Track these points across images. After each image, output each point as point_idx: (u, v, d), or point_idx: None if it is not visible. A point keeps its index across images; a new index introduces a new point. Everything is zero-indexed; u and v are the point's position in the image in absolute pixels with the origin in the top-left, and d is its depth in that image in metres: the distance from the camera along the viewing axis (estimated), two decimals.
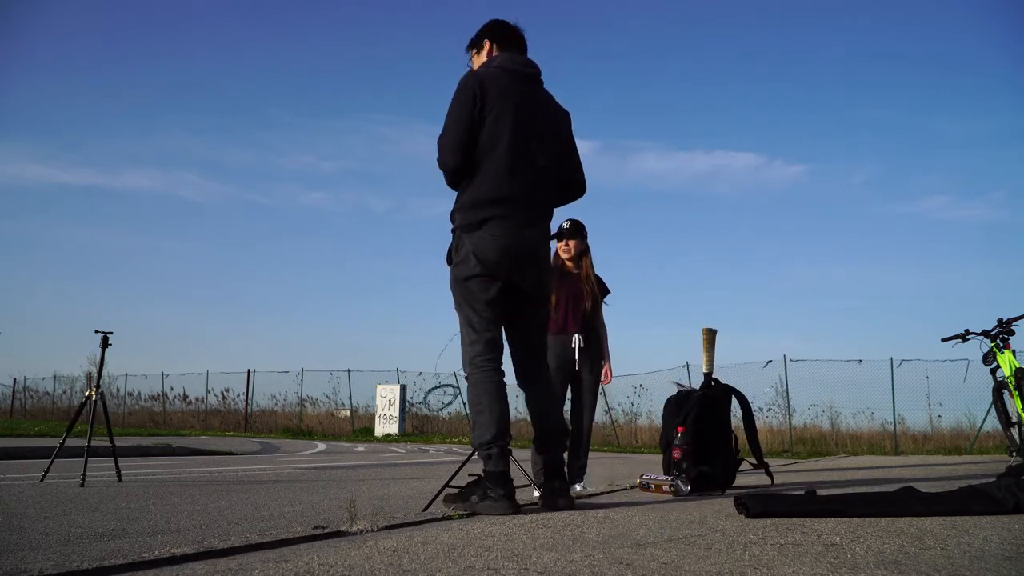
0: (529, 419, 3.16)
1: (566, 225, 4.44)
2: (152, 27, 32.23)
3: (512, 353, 3.04)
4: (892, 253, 29.03)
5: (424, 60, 32.14)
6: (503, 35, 3.10)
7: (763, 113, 30.88)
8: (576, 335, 4.36)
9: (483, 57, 3.13)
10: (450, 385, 3.87)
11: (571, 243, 4.42)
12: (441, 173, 2.97)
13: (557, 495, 2.91)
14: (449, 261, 2.97)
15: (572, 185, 3.16)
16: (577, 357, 4.35)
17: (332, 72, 33.06)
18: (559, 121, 3.08)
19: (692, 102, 31.48)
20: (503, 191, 2.83)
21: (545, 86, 3.14)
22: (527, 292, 2.92)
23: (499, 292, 2.87)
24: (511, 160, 2.84)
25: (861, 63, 29.02)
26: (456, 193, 2.99)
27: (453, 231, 2.96)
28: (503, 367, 2.92)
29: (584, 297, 4.39)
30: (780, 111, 30.22)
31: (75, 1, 29.84)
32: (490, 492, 2.74)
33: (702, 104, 31.32)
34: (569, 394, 4.53)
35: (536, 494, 4.18)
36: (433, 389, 3.89)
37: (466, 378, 2.95)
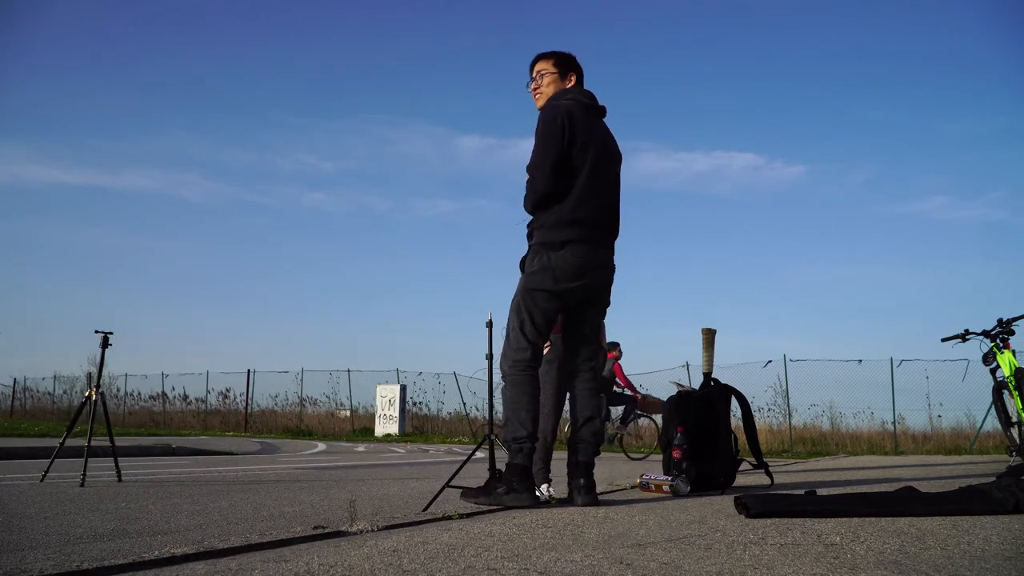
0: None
1: None
2: (152, 27, 32.24)
3: (566, 352, 3.34)
4: (892, 253, 29.04)
5: (424, 60, 32.17)
6: (582, 75, 3.39)
7: (763, 113, 30.90)
8: None
9: (557, 84, 3.33)
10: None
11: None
12: (531, 197, 3.18)
13: (582, 492, 3.09)
14: (522, 268, 3.20)
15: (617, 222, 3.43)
16: None
17: (332, 72, 33.06)
18: (619, 159, 3.37)
19: (692, 102, 31.50)
20: (584, 215, 3.08)
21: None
22: (589, 299, 3.20)
23: (558, 310, 3.15)
24: (592, 187, 3.11)
25: (861, 63, 29.03)
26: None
27: (532, 246, 3.18)
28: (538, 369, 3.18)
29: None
30: (780, 111, 30.23)
31: (75, 1, 29.85)
32: (515, 485, 2.97)
33: (702, 104, 31.33)
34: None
35: (538, 494, 4.19)
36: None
37: (504, 376, 3.16)
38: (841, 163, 30.08)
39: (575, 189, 3.09)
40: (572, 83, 3.36)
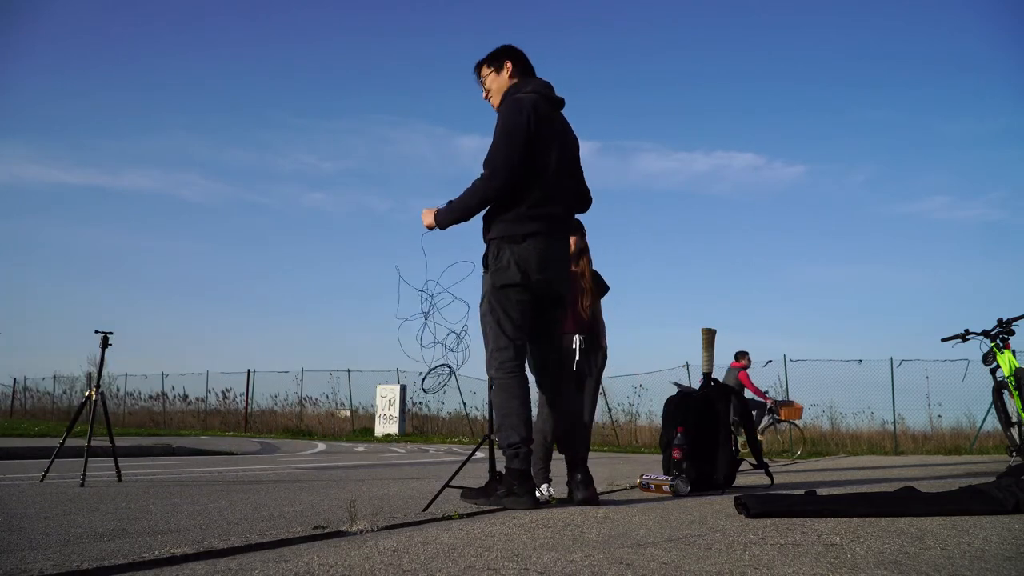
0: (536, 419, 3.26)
1: None
2: (152, 27, 32.24)
3: (533, 351, 3.22)
4: (892, 253, 29.04)
5: (424, 60, 32.17)
6: (522, 59, 3.32)
7: (763, 113, 30.90)
8: (577, 335, 4.36)
9: (503, 77, 3.30)
10: (446, 366, 3.77)
11: (571, 239, 4.40)
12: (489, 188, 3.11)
13: (579, 488, 3.12)
14: (486, 267, 3.12)
15: (585, 199, 3.47)
16: (578, 358, 4.36)
17: (332, 72, 33.07)
18: (576, 145, 3.37)
19: (692, 102, 31.50)
20: (546, 209, 3.07)
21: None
22: (553, 297, 3.16)
23: (531, 301, 3.08)
24: (554, 181, 3.10)
25: (861, 63, 29.03)
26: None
27: (490, 240, 3.11)
28: (525, 367, 3.13)
29: (583, 296, 4.39)
30: (780, 111, 30.24)
31: (75, 1, 29.85)
32: (516, 488, 2.97)
33: (702, 104, 31.34)
34: None
35: (538, 494, 4.19)
36: (430, 372, 3.79)
37: (491, 381, 3.10)
38: (841, 163, 30.11)
39: (539, 183, 3.05)
40: (509, 70, 3.31)
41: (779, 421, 11.60)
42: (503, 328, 3.04)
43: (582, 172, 3.41)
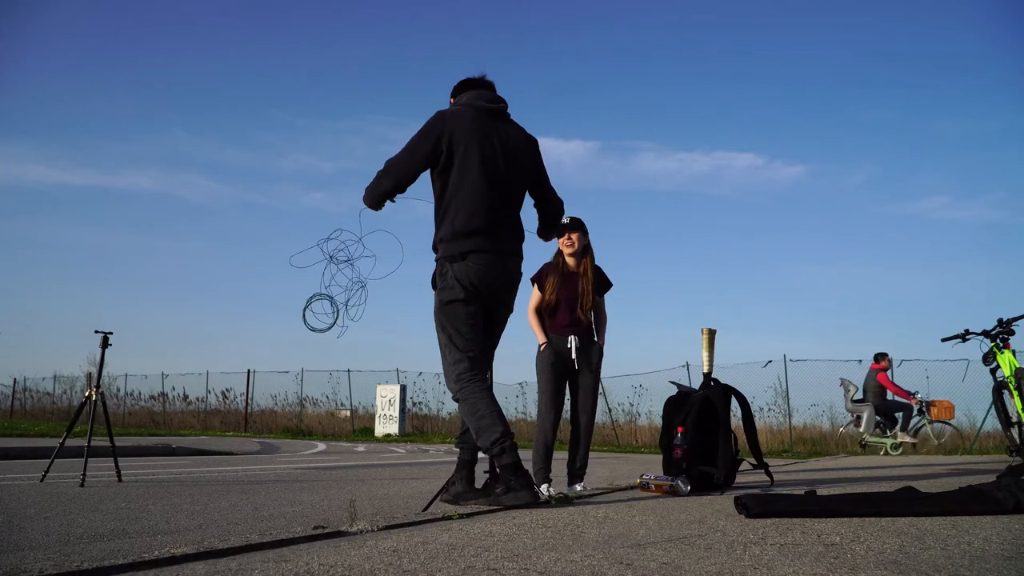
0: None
1: (566, 220, 4.39)
2: (152, 27, 32.23)
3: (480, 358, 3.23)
4: (892, 253, 29.00)
5: (424, 60, 32.14)
6: (469, 83, 3.31)
7: (763, 113, 30.85)
8: (571, 336, 4.37)
9: (464, 95, 3.31)
10: (326, 297, 3.28)
11: (574, 236, 4.38)
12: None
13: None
14: (434, 286, 3.18)
15: (551, 206, 3.37)
16: (574, 357, 4.36)
17: (332, 72, 33.03)
18: (526, 150, 3.24)
19: (692, 102, 31.45)
20: (479, 223, 3.04)
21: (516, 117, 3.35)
22: (500, 310, 3.21)
23: (479, 314, 3.12)
24: (482, 193, 3.05)
25: (861, 63, 29.01)
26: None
27: (437, 260, 3.16)
28: (487, 374, 3.18)
29: (583, 297, 4.39)
30: (780, 111, 30.19)
31: (75, 1, 29.84)
32: (512, 483, 2.92)
33: (702, 104, 31.29)
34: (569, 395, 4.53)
35: (546, 490, 4.19)
36: (311, 301, 3.20)
37: (455, 397, 3.11)
38: (841, 163, 30.07)
39: (466, 196, 3.05)
40: (452, 103, 3.35)
41: (931, 422, 11.37)
42: (455, 343, 3.08)
43: (543, 178, 3.33)
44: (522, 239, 3.24)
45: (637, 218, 31.20)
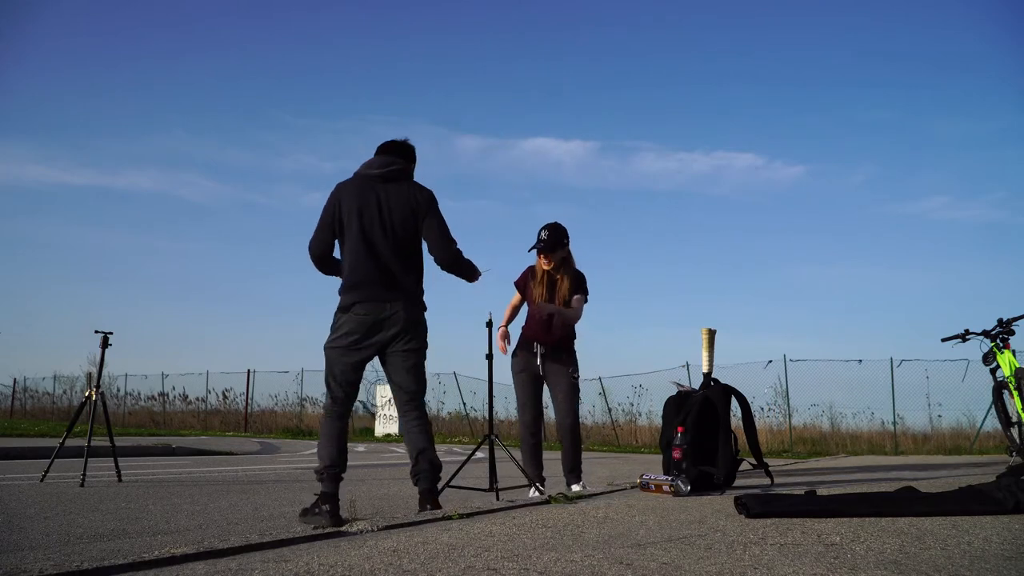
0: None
1: (544, 236, 4.44)
2: (152, 27, 32.19)
3: (392, 391, 3.54)
4: (892, 253, 28.96)
5: (424, 60, 32.13)
6: (381, 146, 3.65)
7: (763, 113, 30.80)
8: (537, 344, 4.44)
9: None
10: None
11: (549, 257, 4.46)
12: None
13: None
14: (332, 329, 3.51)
15: (446, 256, 3.56)
16: (539, 363, 4.42)
17: (332, 72, 32.98)
18: (407, 205, 3.48)
19: (692, 102, 31.41)
20: (358, 276, 3.39)
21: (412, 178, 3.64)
22: (394, 355, 3.44)
23: (358, 361, 3.42)
24: (361, 251, 3.40)
25: (861, 63, 28.98)
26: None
27: (337, 308, 3.51)
28: (349, 412, 3.54)
29: (555, 313, 4.43)
30: (780, 111, 30.13)
31: (75, 1, 29.83)
32: (317, 508, 3.23)
33: (702, 104, 31.24)
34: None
35: (533, 493, 4.20)
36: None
37: (322, 420, 3.50)
38: (841, 163, 30.01)
39: (349, 254, 3.43)
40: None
41: None
42: (328, 383, 3.45)
43: (431, 232, 3.51)
44: (410, 288, 3.47)
45: (637, 218, 31.19)
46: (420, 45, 32.05)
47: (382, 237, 3.41)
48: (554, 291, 4.48)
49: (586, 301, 4.55)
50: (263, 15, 31.35)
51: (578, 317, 4.52)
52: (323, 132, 32.21)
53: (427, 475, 3.37)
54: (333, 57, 31.86)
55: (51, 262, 34.36)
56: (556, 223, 4.51)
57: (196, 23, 31.66)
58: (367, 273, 3.39)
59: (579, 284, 4.53)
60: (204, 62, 32.09)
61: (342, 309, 3.43)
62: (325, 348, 3.45)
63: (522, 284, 4.64)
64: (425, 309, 3.54)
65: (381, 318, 3.38)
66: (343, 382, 3.43)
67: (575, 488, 4.26)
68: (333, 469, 3.33)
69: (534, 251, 4.49)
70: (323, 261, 3.56)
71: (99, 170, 32.85)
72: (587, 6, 30.78)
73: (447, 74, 32.56)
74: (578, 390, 4.54)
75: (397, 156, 3.58)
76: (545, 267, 4.48)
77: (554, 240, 4.45)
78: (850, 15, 27.67)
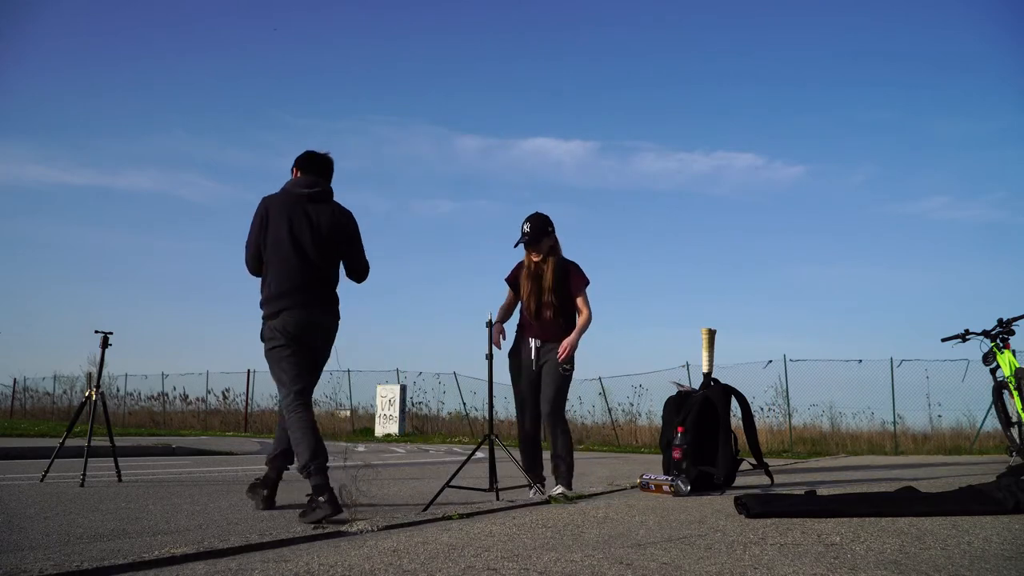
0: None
1: (526, 229, 4.42)
2: (152, 27, 32.19)
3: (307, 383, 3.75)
4: (892, 253, 28.96)
5: (424, 60, 32.13)
6: (305, 163, 3.95)
7: (763, 113, 30.80)
8: (532, 339, 4.43)
9: (294, 177, 3.94)
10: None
11: (535, 249, 4.44)
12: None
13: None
14: (262, 339, 3.72)
15: (354, 273, 3.93)
16: (534, 358, 4.41)
17: (332, 72, 32.99)
18: (332, 223, 3.80)
19: (692, 102, 31.41)
20: (284, 286, 3.64)
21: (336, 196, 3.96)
22: (321, 351, 3.76)
23: (300, 354, 3.64)
24: (286, 261, 3.65)
25: (861, 63, 28.98)
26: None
27: (263, 319, 3.73)
28: (311, 403, 3.71)
29: (541, 296, 4.42)
30: (780, 111, 30.14)
31: (75, 1, 29.83)
32: (315, 502, 3.25)
33: (702, 104, 31.25)
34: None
35: (531, 493, 4.19)
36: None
37: (286, 424, 3.61)
38: (841, 163, 30.02)
39: (275, 265, 3.65)
40: (295, 173, 3.95)
41: None
42: (282, 381, 3.61)
43: (352, 248, 3.87)
44: (329, 293, 3.80)
45: (637, 218, 31.20)
46: (420, 45, 32.07)
47: (309, 250, 3.68)
48: (540, 284, 4.45)
49: (587, 282, 4.51)
50: (263, 15, 31.35)
51: (590, 318, 4.48)
52: (323, 132, 32.20)
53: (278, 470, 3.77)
54: (333, 57, 31.88)
55: (51, 262, 34.37)
56: (537, 213, 4.48)
57: (196, 23, 31.67)
58: (293, 283, 3.63)
59: (566, 274, 4.48)
60: (204, 62, 32.11)
61: (268, 317, 3.65)
62: (266, 353, 3.65)
63: (513, 280, 4.62)
64: (339, 317, 3.87)
65: (308, 320, 3.64)
66: (296, 375, 3.60)
67: (555, 491, 4.10)
68: (317, 461, 3.38)
69: (520, 246, 4.48)
70: (254, 263, 3.78)
71: (99, 170, 32.87)
72: (587, 6, 30.79)
73: (447, 74, 32.58)
74: (567, 382, 4.42)
75: (320, 176, 3.90)
76: (535, 259, 4.45)
77: (537, 231, 4.42)
78: (850, 15, 27.68)
